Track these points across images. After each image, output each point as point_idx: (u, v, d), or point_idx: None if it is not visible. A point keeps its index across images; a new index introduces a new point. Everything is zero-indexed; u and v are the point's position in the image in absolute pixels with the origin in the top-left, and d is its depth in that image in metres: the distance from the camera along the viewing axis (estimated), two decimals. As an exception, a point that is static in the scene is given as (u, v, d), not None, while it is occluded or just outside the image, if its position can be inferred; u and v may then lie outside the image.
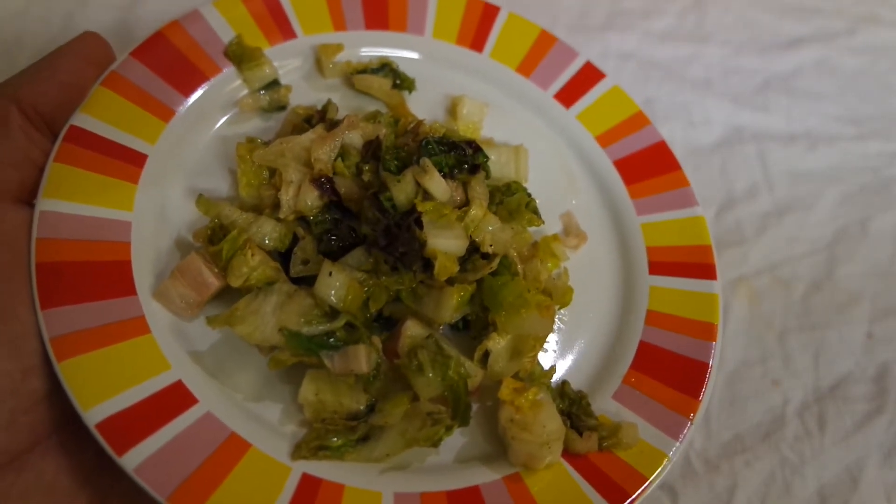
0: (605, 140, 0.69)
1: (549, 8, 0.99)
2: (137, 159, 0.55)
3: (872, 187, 0.93)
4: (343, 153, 0.57)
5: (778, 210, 0.90)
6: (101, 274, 0.50)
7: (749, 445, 0.73)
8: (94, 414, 0.44)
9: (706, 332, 0.59)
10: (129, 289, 0.50)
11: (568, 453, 0.53)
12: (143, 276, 0.52)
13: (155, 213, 0.55)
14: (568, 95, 0.70)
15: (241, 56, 0.62)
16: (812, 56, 1.03)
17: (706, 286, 0.61)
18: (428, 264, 0.53)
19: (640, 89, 0.95)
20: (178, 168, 0.58)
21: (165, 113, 0.58)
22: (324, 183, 0.54)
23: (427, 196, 0.54)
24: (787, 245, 0.87)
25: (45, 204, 0.49)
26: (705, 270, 0.62)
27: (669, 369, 0.58)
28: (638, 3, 1.03)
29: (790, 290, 0.84)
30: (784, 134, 0.96)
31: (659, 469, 0.52)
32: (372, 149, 0.57)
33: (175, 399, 0.48)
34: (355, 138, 0.58)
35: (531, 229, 0.61)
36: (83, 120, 0.53)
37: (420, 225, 0.52)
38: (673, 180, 0.66)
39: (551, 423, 0.52)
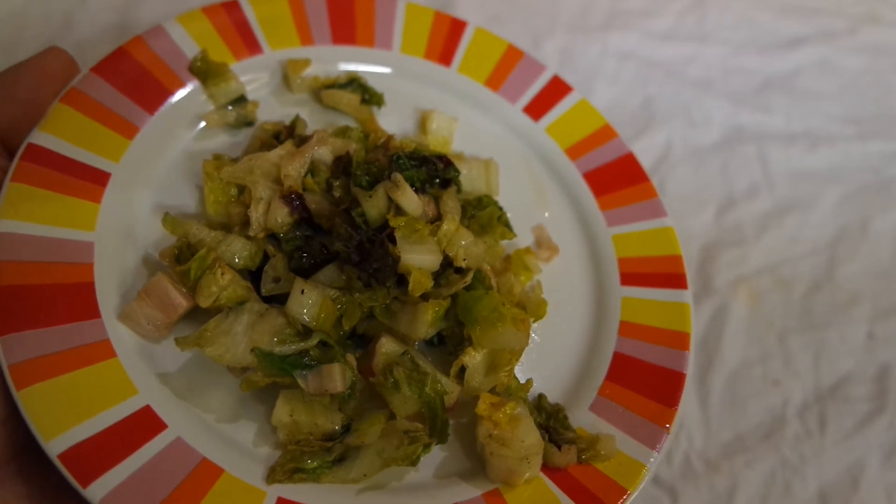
0: (573, 153, 0.69)
1: (550, 8, 0.99)
2: (100, 178, 0.53)
3: (873, 187, 0.93)
4: (313, 169, 0.56)
5: (778, 210, 0.89)
6: (62, 297, 0.48)
7: (749, 446, 0.73)
8: (56, 444, 0.42)
9: (679, 341, 0.59)
10: (92, 311, 0.49)
11: (547, 467, 0.52)
12: (107, 298, 0.50)
13: (120, 232, 0.53)
14: (536, 109, 0.70)
15: (206, 72, 0.60)
16: (812, 56, 1.03)
17: (678, 296, 0.61)
18: (402, 280, 0.52)
19: (640, 89, 0.94)
20: (143, 186, 0.56)
21: (129, 130, 0.56)
22: (294, 199, 0.54)
23: (399, 211, 0.53)
24: (787, 245, 0.86)
25: (2, 225, 0.48)
26: (676, 280, 0.62)
27: (644, 379, 0.58)
28: (638, 3, 1.03)
29: (790, 290, 0.83)
30: (784, 134, 0.95)
31: (639, 480, 0.52)
32: (342, 164, 0.57)
33: (143, 425, 0.46)
34: (325, 154, 0.57)
35: (503, 242, 0.61)
36: (42, 138, 0.52)
37: (393, 240, 0.52)
38: (641, 191, 0.67)
39: (529, 437, 0.51)
